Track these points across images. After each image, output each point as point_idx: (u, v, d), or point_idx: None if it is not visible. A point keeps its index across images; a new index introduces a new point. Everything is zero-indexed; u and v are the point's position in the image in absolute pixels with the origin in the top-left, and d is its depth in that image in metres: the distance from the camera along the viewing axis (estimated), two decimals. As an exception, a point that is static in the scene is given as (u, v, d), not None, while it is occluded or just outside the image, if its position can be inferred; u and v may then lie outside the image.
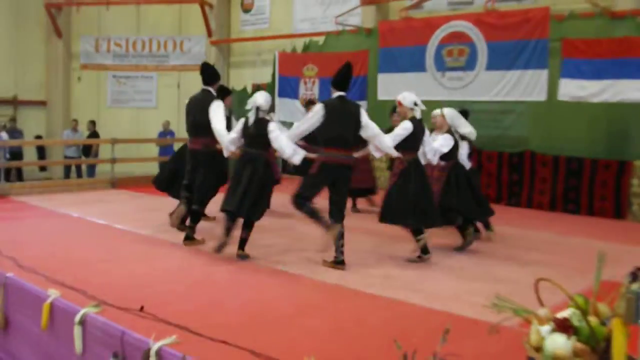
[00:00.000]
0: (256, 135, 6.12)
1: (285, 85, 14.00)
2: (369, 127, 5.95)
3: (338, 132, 5.86)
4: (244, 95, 14.56)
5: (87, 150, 14.91)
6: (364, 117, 5.97)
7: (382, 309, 4.84)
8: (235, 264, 6.13)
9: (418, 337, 4.05)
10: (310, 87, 13.46)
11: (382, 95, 12.20)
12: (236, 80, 15.86)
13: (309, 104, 9.18)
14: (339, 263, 5.95)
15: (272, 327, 4.33)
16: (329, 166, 5.86)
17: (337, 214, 5.91)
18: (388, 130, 6.57)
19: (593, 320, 2.45)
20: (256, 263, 6.18)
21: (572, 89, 9.85)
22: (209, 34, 16.35)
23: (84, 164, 14.66)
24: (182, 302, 4.80)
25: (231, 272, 5.84)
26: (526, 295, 2.95)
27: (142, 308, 4.40)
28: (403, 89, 11.70)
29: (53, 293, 4.65)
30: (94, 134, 14.98)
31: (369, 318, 4.59)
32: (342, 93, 6.00)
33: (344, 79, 6.05)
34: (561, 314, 2.53)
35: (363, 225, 8.13)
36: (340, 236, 5.90)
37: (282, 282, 5.57)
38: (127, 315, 4.31)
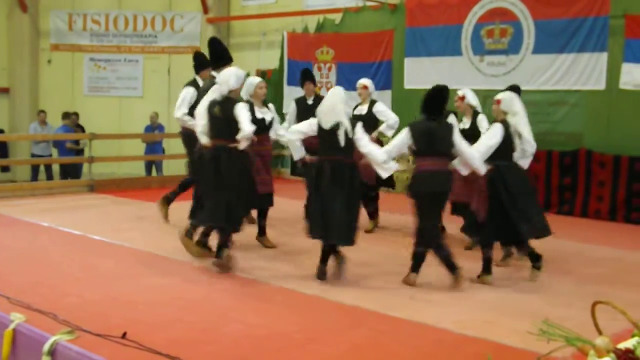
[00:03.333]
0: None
1: (296, 71, 13.96)
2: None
3: None
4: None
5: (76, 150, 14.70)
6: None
7: (408, 335, 4.85)
8: (236, 283, 6.16)
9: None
10: (325, 74, 13.48)
11: (409, 84, 12.18)
12: (238, 65, 15.80)
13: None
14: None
15: (278, 356, 4.34)
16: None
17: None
18: None
19: (662, 351, 2.44)
20: (261, 282, 6.20)
21: (637, 76, 9.78)
22: (205, 10, 16.41)
23: (54, 163, 14.70)
24: (173, 327, 4.81)
25: (231, 292, 5.86)
26: (581, 321, 2.94)
27: (124, 335, 4.40)
28: (434, 76, 11.91)
29: (16, 317, 4.67)
30: (78, 128, 14.90)
31: (392, 345, 4.59)
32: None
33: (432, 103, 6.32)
34: (624, 344, 2.52)
35: (386, 238, 8.14)
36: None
37: (291, 303, 5.59)
38: (107, 343, 4.31)
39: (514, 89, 7.28)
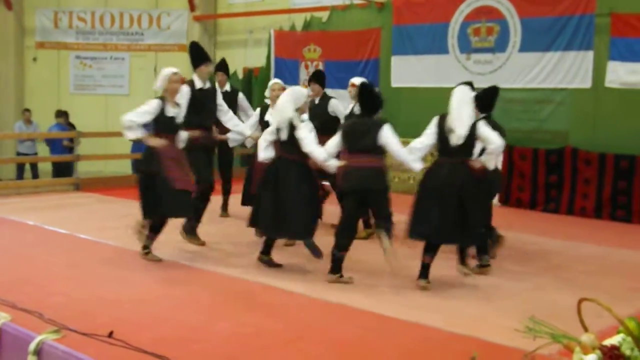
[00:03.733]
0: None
1: (283, 69, 14.00)
2: None
3: None
4: (233, 81, 14.58)
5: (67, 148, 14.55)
6: None
7: (395, 332, 4.85)
8: (222, 281, 6.15)
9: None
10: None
11: (396, 82, 12.20)
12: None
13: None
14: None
15: (266, 354, 4.33)
16: None
17: None
18: None
19: (647, 348, 2.45)
20: (247, 280, 6.19)
21: (622, 74, 9.84)
22: (192, 7, 16.37)
23: (40, 161, 14.64)
24: (160, 326, 4.80)
25: (218, 291, 5.85)
26: (567, 318, 2.95)
27: (111, 334, 4.39)
28: (421, 74, 11.94)
29: (2, 317, 4.65)
30: (69, 126, 14.80)
31: (379, 343, 4.59)
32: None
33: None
34: (609, 341, 2.53)
35: (372, 236, 8.14)
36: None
37: (277, 301, 5.58)
38: (93, 342, 4.30)
39: (491, 89, 7.21)
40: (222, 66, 9.65)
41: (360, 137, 6.13)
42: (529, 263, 7.13)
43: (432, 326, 4.98)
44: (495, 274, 6.60)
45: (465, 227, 5.93)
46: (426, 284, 6.01)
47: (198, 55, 7.61)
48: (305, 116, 6.74)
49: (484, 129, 6.00)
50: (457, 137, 5.91)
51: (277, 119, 6.48)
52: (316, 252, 6.51)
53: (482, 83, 10.64)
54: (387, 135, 6.09)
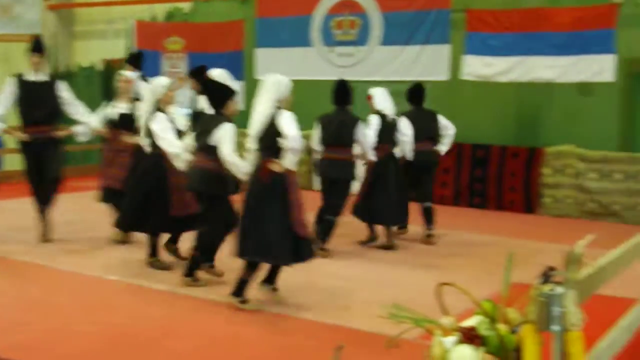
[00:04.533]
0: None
1: (145, 61, 13.65)
2: None
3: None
4: (91, 73, 14.15)
5: None
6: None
7: (264, 324, 4.88)
8: (85, 281, 5.95)
9: (306, 355, 4.09)
10: (175, 64, 13.23)
11: (260, 75, 12.16)
12: (82, 54, 15.32)
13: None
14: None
15: (134, 354, 4.25)
16: None
17: None
18: None
19: (502, 328, 2.57)
20: (112, 280, 6.01)
21: (477, 67, 10.28)
22: (46, -5, 15.70)
23: None
24: (16, 331, 4.61)
25: (81, 291, 5.67)
26: (428, 302, 3.05)
27: (-37, 340, 4.17)
28: (285, 67, 11.96)
29: None
30: None
31: (248, 336, 4.60)
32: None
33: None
34: (467, 323, 2.63)
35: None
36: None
37: (143, 300, 5.48)
38: (-57, 350, 4.07)
39: (338, 83, 7.34)
40: (131, 58, 9.71)
41: (200, 134, 5.59)
42: (393, 251, 7.33)
43: (302, 317, 5.05)
44: (361, 263, 6.74)
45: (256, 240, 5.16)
46: (237, 301, 5.25)
47: (30, 46, 7.35)
48: (178, 108, 6.70)
49: (283, 121, 5.15)
50: (251, 137, 5.28)
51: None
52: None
53: (345, 76, 10.76)
54: (220, 135, 5.44)
